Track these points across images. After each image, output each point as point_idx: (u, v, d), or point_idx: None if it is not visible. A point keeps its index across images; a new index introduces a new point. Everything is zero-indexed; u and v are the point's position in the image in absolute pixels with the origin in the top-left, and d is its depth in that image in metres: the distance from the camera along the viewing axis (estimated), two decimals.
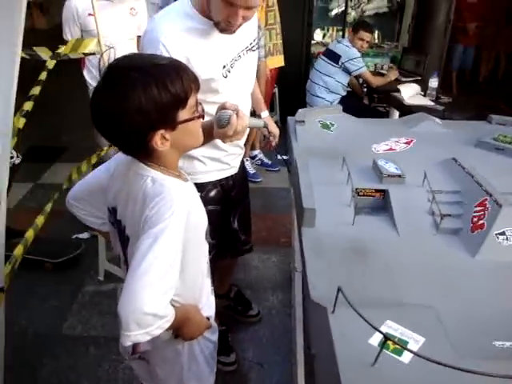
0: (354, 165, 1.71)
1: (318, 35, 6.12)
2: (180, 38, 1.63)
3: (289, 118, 2.25)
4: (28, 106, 1.96)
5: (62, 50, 2.46)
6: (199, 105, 1.22)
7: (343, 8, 5.99)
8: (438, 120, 2.35)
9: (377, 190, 1.58)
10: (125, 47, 3.21)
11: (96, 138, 3.33)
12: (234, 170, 2.08)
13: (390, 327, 0.99)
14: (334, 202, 1.55)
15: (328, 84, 4.25)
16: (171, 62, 1.19)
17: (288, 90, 4.91)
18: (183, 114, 1.16)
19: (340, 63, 4.21)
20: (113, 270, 2.92)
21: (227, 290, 2.75)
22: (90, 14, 2.88)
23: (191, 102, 1.18)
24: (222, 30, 1.66)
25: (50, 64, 2.14)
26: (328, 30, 6.18)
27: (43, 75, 2.11)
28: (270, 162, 4.54)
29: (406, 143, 2.03)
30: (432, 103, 4.12)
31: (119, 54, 3.37)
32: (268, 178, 4.35)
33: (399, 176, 1.63)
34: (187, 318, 1.30)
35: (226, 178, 2.06)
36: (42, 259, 3.02)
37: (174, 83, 1.11)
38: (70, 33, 3.14)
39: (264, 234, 3.38)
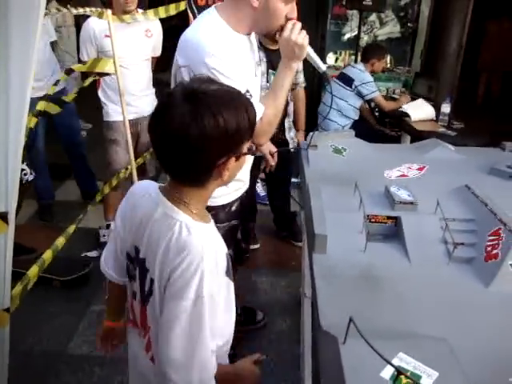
0: (366, 191, 1.70)
1: (330, 59, 6.16)
2: (227, 51, 1.63)
3: (301, 141, 2.25)
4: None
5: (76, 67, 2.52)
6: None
7: (356, 32, 6.03)
8: (450, 146, 2.34)
9: (389, 217, 1.57)
10: (140, 68, 3.25)
11: (110, 156, 3.35)
12: (247, 185, 2.09)
13: (403, 360, 0.97)
14: (346, 229, 1.53)
15: (341, 107, 4.26)
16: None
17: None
18: (245, 147, 1.18)
19: (353, 86, 4.23)
20: None
21: None
22: (106, 36, 2.93)
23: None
24: (272, 37, 1.84)
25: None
26: (341, 54, 6.22)
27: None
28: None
29: (418, 169, 2.01)
30: (444, 129, 4.12)
31: (134, 75, 3.43)
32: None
33: (412, 203, 1.61)
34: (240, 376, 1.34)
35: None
36: (50, 277, 3.02)
37: (251, 113, 1.15)
38: (87, 54, 3.19)
39: (273, 257, 3.36)
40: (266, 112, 1.69)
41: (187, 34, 1.71)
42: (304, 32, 1.67)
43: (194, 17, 3.93)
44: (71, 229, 2.59)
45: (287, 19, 1.67)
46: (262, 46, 3.15)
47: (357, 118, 4.32)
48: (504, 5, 7.15)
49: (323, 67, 1.81)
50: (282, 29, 1.69)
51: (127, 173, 3.18)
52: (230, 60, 1.62)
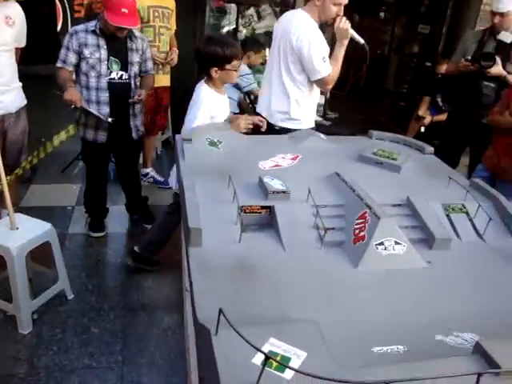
0: (241, 182, 1.72)
1: None
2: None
3: (176, 136, 2.23)
4: None
5: None
6: (238, 67, 2.72)
7: (234, 26, 6.10)
8: (322, 136, 2.44)
9: (263, 207, 1.60)
10: (1, 60, 3.01)
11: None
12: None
13: (274, 344, 1.00)
14: (221, 221, 1.54)
15: None
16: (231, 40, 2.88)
17: (180, 108, 4.87)
18: (228, 67, 2.61)
19: None
20: None
21: None
22: None
23: (234, 63, 2.63)
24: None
25: None
26: None
27: None
28: (162, 180, 4.47)
29: (292, 159, 2.08)
30: (320, 118, 4.31)
31: None
32: (160, 195, 4.27)
33: (284, 192, 1.66)
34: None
35: None
36: None
37: (230, 50, 2.60)
38: None
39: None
40: (334, 71, 2.95)
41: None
42: (347, 21, 2.88)
43: (62, 5, 3.73)
44: None
45: (337, 15, 2.87)
46: (101, 34, 3.14)
47: (236, 110, 4.36)
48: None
49: (362, 41, 3.00)
50: (334, 21, 2.89)
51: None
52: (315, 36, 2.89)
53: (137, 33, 3.33)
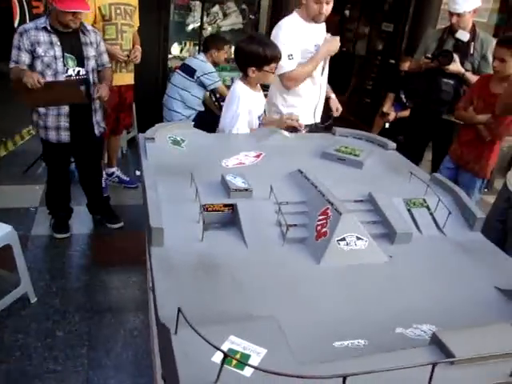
0: (203, 180, 1.71)
1: (175, 49, 6.12)
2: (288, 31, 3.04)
3: (140, 134, 2.20)
4: None
5: None
6: (275, 69, 2.66)
7: (199, 23, 6.06)
8: (286, 133, 2.45)
9: (225, 205, 1.59)
10: None
11: None
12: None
13: (233, 342, 0.99)
14: (183, 220, 1.53)
15: (184, 98, 4.26)
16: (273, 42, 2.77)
17: (145, 106, 4.83)
18: (266, 68, 2.58)
19: (195, 77, 4.25)
20: None
21: None
22: None
23: (273, 65, 2.60)
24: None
25: None
26: (185, 45, 6.21)
27: None
28: (127, 179, 4.43)
29: (255, 157, 2.08)
30: None
31: None
32: (126, 195, 4.23)
33: (246, 190, 1.66)
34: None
35: None
36: None
37: (272, 51, 2.57)
38: None
39: (123, 253, 3.27)
40: (298, 70, 3.02)
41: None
42: (338, 46, 3.15)
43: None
44: None
45: (320, 13, 2.98)
46: (53, 30, 3.09)
47: (201, 108, 4.35)
48: None
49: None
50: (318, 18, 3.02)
51: None
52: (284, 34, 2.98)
53: (88, 26, 3.28)
